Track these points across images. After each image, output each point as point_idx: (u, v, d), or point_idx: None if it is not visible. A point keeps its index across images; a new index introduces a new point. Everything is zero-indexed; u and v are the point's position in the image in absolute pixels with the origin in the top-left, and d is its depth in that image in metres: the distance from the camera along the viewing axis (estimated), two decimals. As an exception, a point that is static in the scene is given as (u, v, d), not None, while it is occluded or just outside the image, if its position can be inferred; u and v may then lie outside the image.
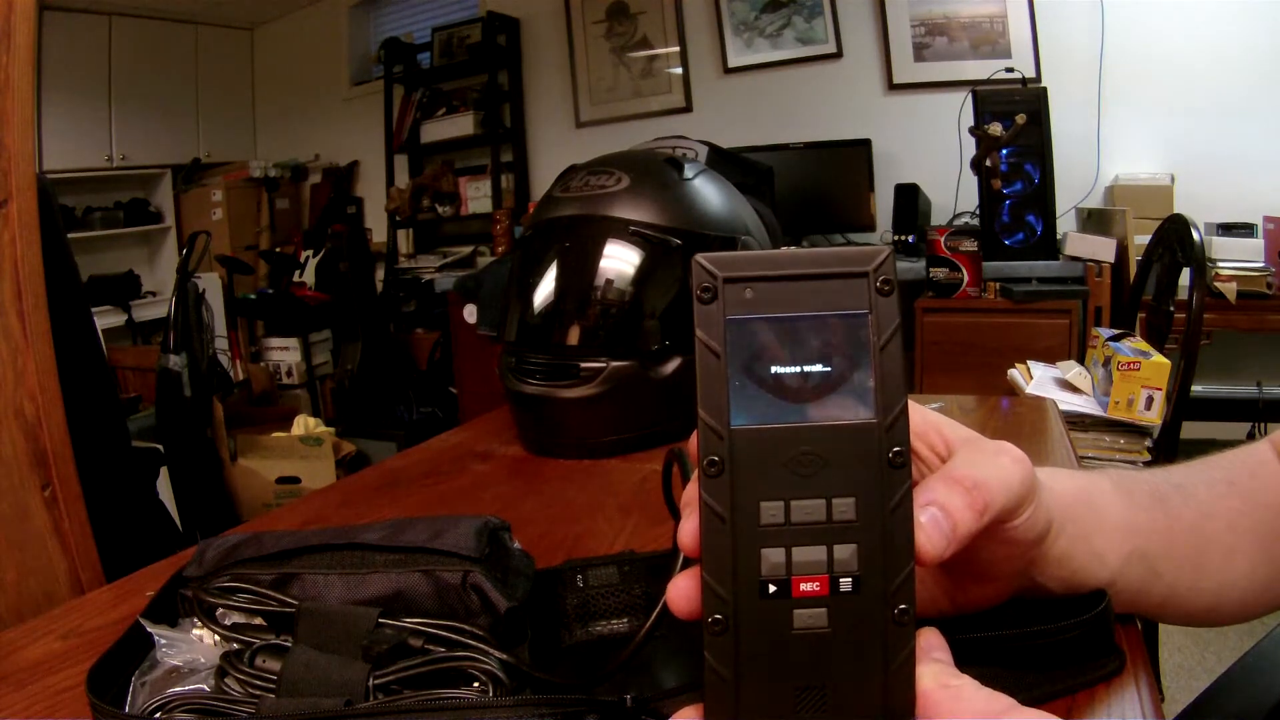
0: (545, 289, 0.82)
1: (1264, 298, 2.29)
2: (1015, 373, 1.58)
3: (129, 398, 2.64)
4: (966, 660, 0.28)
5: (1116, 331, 1.54)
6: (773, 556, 0.24)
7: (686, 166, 0.85)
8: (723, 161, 1.01)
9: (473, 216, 3.85)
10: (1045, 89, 2.51)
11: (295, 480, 2.39)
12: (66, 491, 0.76)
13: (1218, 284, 2.25)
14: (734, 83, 3.38)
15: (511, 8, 3.75)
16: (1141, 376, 1.34)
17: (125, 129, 3.92)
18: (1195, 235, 1.55)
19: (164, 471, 2.21)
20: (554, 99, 3.77)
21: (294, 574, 0.39)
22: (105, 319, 3.60)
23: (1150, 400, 1.34)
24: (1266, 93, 2.55)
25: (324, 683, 0.34)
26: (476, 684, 0.35)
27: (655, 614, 0.32)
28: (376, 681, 0.34)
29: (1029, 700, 0.26)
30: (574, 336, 0.80)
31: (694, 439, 0.27)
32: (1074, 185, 2.71)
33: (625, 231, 0.79)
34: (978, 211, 2.57)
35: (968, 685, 0.25)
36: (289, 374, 3.78)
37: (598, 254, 0.80)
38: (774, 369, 0.25)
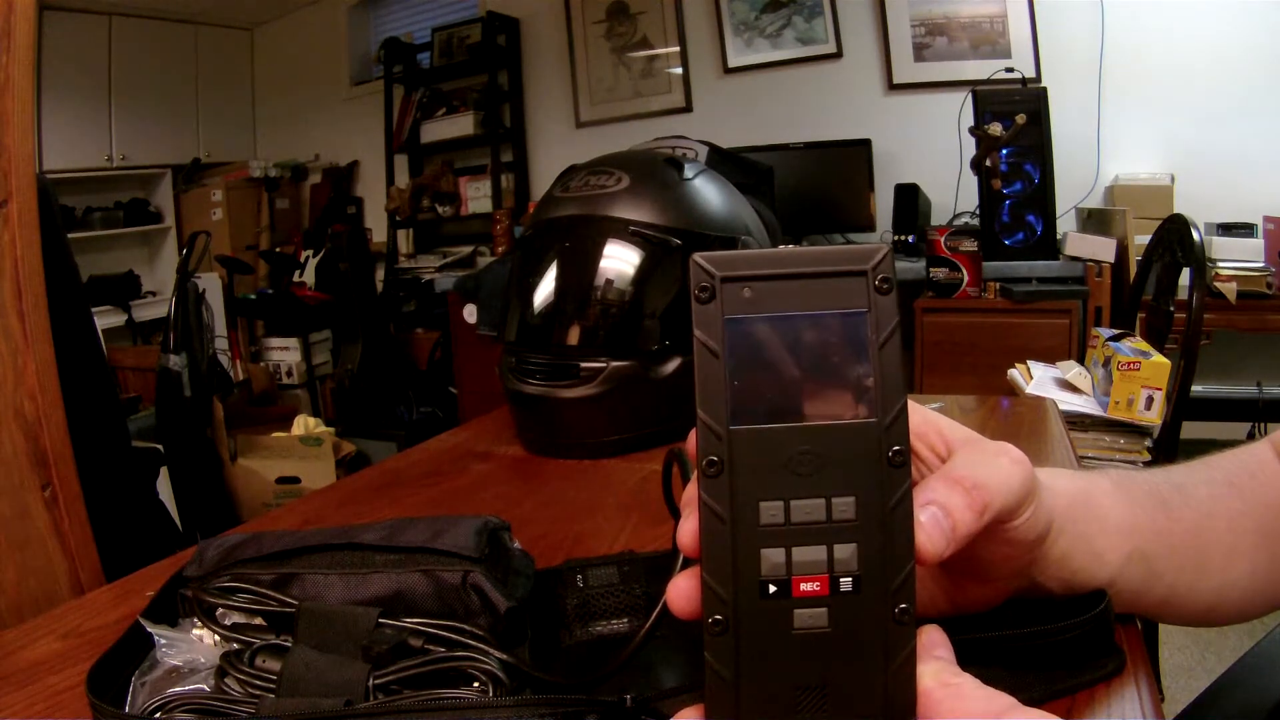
0: (545, 289, 0.82)
1: (1264, 298, 2.29)
2: (1015, 373, 1.58)
3: (129, 398, 2.64)
4: (966, 660, 0.28)
5: (1116, 331, 1.54)
6: (773, 556, 0.24)
7: (686, 166, 0.85)
8: (723, 161, 1.01)
9: (473, 216, 3.85)
10: (1045, 89, 2.51)
11: (295, 480, 2.39)
12: (66, 491, 0.76)
13: (1218, 284, 2.25)
14: (734, 83, 3.38)
15: (511, 8, 3.75)
16: (1141, 376, 1.34)
17: (125, 129, 3.92)
18: (1195, 235, 1.55)
19: (164, 471, 2.21)
20: (554, 99, 3.77)
21: (294, 574, 0.39)
22: (105, 319, 3.60)
23: (1150, 400, 1.34)
24: (1266, 93, 2.55)
25: (324, 683, 0.34)
26: (476, 684, 0.35)
27: (655, 614, 0.32)
28: (376, 681, 0.34)
29: (1029, 700, 0.26)
30: (574, 336, 0.80)
31: (692, 437, 0.27)
32: (1074, 185, 2.71)
33: (625, 231, 0.79)
34: (978, 211, 2.57)
35: (968, 683, 0.25)
36: (289, 374, 3.78)
37: (598, 254, 0.80)
38: (774, 368, 0.25)
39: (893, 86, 3.07)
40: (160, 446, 2.22)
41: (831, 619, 0.24)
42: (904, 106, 3.06)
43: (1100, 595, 0.36)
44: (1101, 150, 2.76)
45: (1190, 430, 1.52)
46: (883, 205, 2.94)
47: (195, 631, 0.38)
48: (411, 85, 3.98)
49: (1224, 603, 0.40)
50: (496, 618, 0.38)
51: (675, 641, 0.39)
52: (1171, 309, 1.65)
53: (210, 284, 3.47)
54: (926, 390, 2.37)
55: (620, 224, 0.80)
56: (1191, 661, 1.81)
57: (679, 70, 3.49)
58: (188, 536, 2.06)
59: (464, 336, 3.08)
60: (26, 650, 0.45)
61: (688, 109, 3.49)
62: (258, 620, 0.38)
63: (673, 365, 0.79)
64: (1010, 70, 2.78)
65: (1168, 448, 1.45)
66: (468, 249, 3.78)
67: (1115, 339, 1.46)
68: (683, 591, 0.26)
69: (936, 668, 0.26)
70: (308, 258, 3.84)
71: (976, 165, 2.43)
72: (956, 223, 2.73)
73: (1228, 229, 2.39)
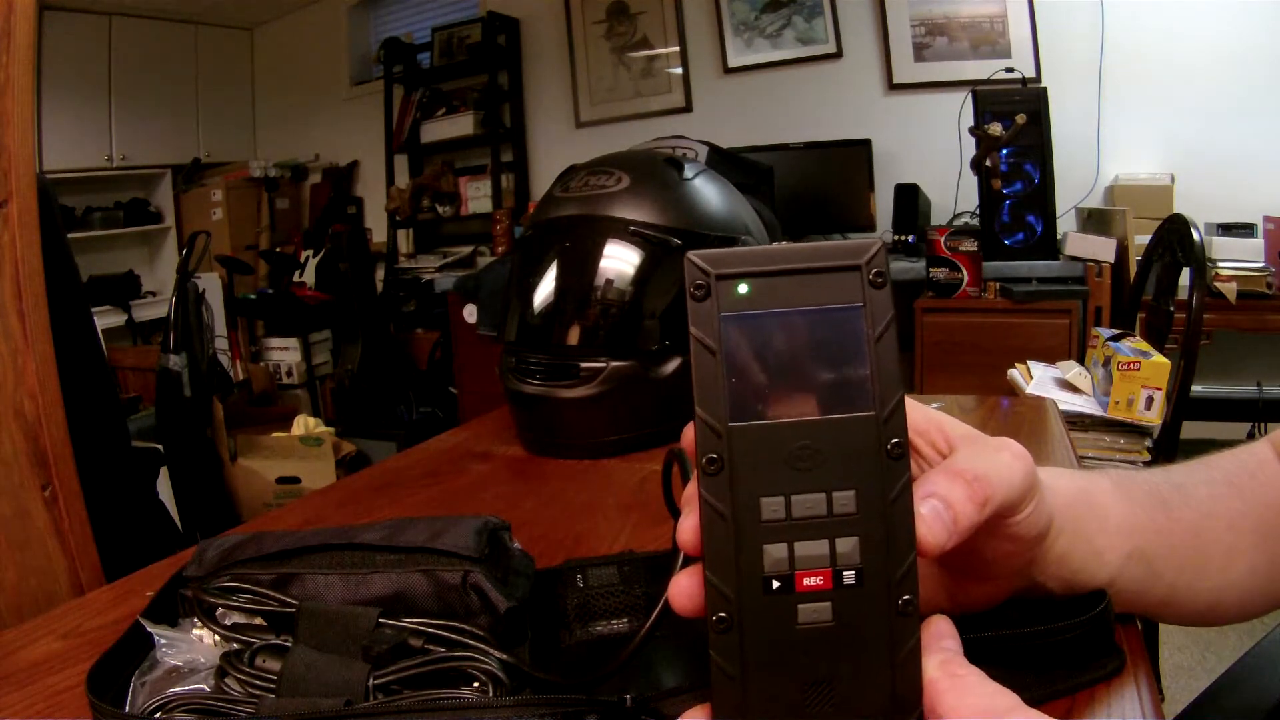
0: (545, 289, 0.82)
1: (1264, 298, 2.29)
2: (1015, 373, 1.58)
3: (129, 398, 2.64)
4: (967, 659, 0.28)
5: (1116, 331, 1.54)
6: (775, 552, 0.24)
7: (686, 166, 0.85)
8: (723, 161, 1.01)
9: (473, 216, 3.85)
10: (1045, 89, 2.51)
11: (295, 480, 2.39)
12: (66, 491, 0.76)
13: (1218, 284, 2.25)
14: (734, 83, 3.38)
15: (511, 8, 3.75)
16: (1141, 376, 1.34)
17: (125, 129, 3.92)
18: (1195, 235, 1.55)
19: (164, 471, 2.21)
20: (554, 99, 3.77)
21: (294, 574, 0.39)
22: (105, 319, 3.60)
23: (1150, 400, 1.34)
24: (1266, 93, 2.55)
25: (324, 683, 0.34)
26: (476, 684, 0.35)
27: (655, 614, 0.32)
28: (376, 681, 0.34)
29: (1029, 701, 0.26)
30: (574, 336, 0.80)
31: (688, 432, 0.27)
32: (1074, 185, 2.71)
33: (625, 231, 0.79)
34: (978, 211, 2.57)
35: (974, 677, 0.25)
36: (289, 374, 3.78)
37: (598, 254, 0.80)
38: (771, 365, 0.25)
39: (893, 86, 3.07)
40: (160, 446, 2.22)
41: (835, 613, 0.24)
42: (904, 106, 3.06)
43: (1100, 595, 0.36)
44: (1101, 150, 2.76)
45: (1190, 430, 1.52)
46: (883, 205, 2.94)
47: (195, 631, 0.38)
48: (411, 85, 3.98)
49: (1224, 602, 0.40)
50: (496, 618, 0.38)
51: (675, 641, 0.39)
52: (1171, 309, 1.65)
53: (210, 284, 3.47)
54: (927, 390, 2.37)
55: (620, 224, 0.80)
56: (1191, 661, 1.81)
57: (679, 70, 3.49)
58: (188, 536, 2.06)
59: (464, 336, 3.08)
60: (26, 650, 0.45)
61: (688, 109, 3.49)
62: (258, 620, 0.38)
63: (673, 365, 0.79)
64: (1010, 70, 2.78)
65: (1168, 448, 1.45)
66: (468, 249, 3.78)
67: (1115, 339, 1.46)
68: (685, 589, 0.26)
69: (943, 658, 0.26)
70: (308, 258, 3.84)
71: (976, 165, 2.43)
72: (956, 223, 2.73)
73: (1228, 229, 2.39)
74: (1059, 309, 2.22)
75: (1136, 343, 1.45)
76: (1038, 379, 1.52)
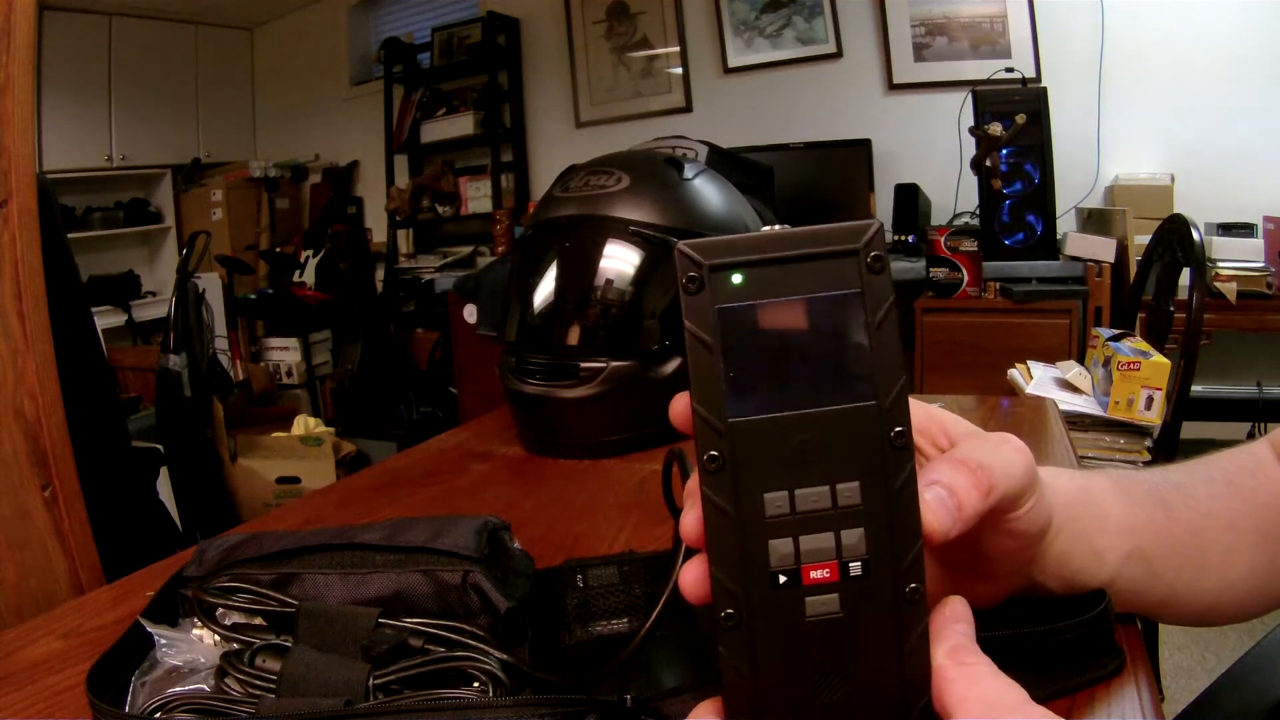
0: (545, 289, 0.82)
1: (1264, 298, 2.29)
2: (1015, 373, 1.58)
3: (129, 398, 2.64)
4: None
5: (1116, 331, 1.54)
6: (781, 547, 0.24)
7: (686, 166, 0.85)
8: (723, 161, 1.01)
9: (473, 216, 3.85)
10: (1045, 89, 2.51)
11: (295, 480, 2.39)
12: (66, 491, 0.76)
13: (1218, 284, 2.25)
14: (734, 83, 3.38)
15: (511, 8, 3.75)
16: (1141, 376, 1.34)
17: (125, 129, 3.92)
18: (1195, 235, 1.55)
19: (164, 471, 2.21)
20: (554, 99, 3.77)
21: (294, 574, 0.39)
22: (105, 319, 3.60)
23: (1150, 400, 1.34)
24: (1266, 93, 2.55)
25: (324, 683, 0.34)
26: (476, 684, 0.35)
27: (655, 614, 0.32)
28: (376, 681, 0.34)
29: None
30: (574, 336, 0.80)
31: (675, 401, 0.26)
32: (1074, 185, 2.71)
33: (625, 231, 0.79)
34: (978, 211, 2.57)
35: (984, 667, 0.25)
36: (289, 374, 3.78)
37: (598, 254, 0.80)
38: (769, 357, 0.24)
39: (893, 86, 3.07)
40: (160, 446, 2.22)
41: (843, 604, 0.24)
42: (904, 106, 3.06)
43: (1100, 595, 0.36)
44: (1101, 150, 2.76)
45: (1190, 430, 1.52)
46: (883, 205, 2.94)
47: (195, 631, 0.38)
48: (411, 85, 3.98)
49: (1223, 602, 0.40)
50: (496, 618, 0.38)
51: (675, 641, 0.39)
52: (1171, 309, 1.65)
53: (210, 284, 3.47)
54: (927, 390, 2.37)
55: (620, 224, 0.80)
56: (1191, 661, 1.81)
57: (679, 70, 3.49)
58: (188, 536, 2.06)
59: (464, 336, 3.08)
60: (26, 650, 0.45)
61: (688, 109, 3.49)
62: (258, 620, 0.38)
63: (673, 365, 0.79)
64: (1010, 70, 2.78)
65: (1168, 448, 1.45)
66: (468, 249, 3.78)
67: (1115, 339, 1.46)
68: (695, 577, 0.26)
69: (954, 644, 0.25)
70: (308, 258, 3.84)
71: (976, 165, 2.43)
72: (956, 223, 2.73)
73: (1228, 229, 2.39)
74: (1059, 309, 2.22)
75: (1136, 343, 1.45)
76: (1038, 379, 1.52)
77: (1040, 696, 0.34)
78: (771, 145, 2.97)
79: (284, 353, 3.80)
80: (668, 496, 0.39)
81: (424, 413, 3.48)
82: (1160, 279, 1.71)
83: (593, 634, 0.42)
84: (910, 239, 2.72)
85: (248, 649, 0.36)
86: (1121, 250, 2.27)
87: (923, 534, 0.25)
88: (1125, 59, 2.70)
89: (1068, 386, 1.47)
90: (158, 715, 0.35)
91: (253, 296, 3.82)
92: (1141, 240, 1.95)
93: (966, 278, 2.29)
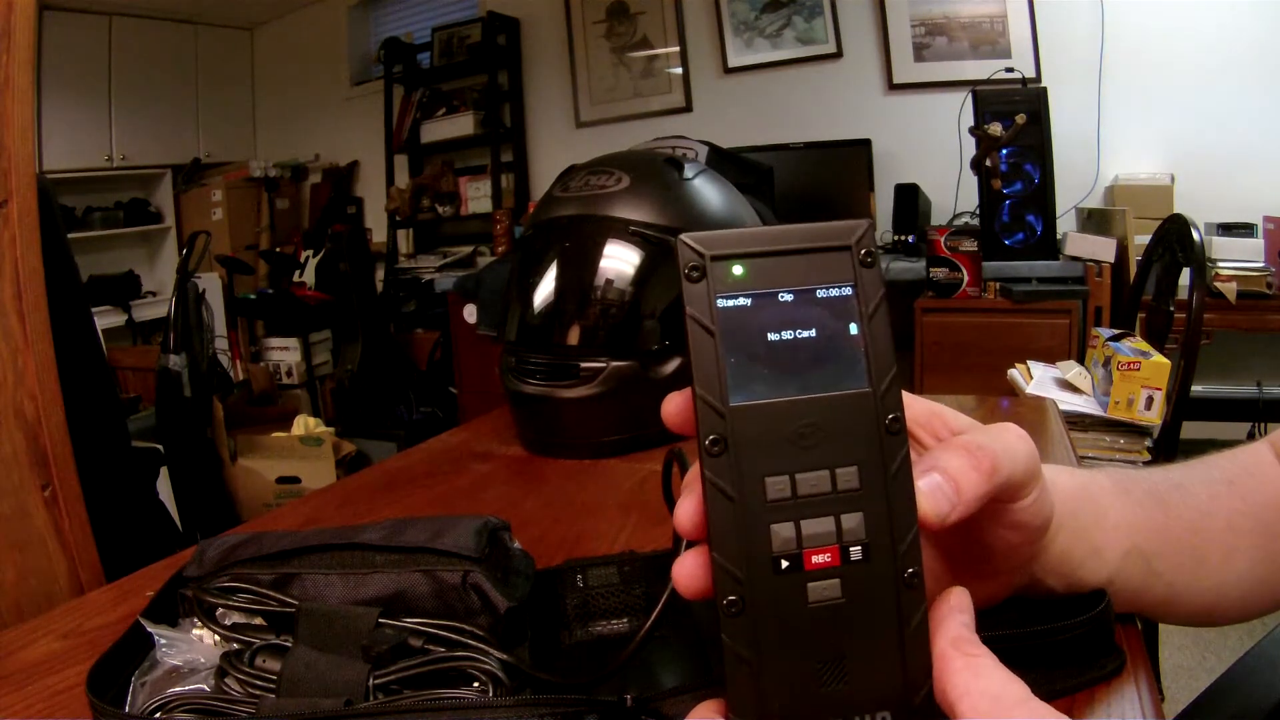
0: (545, 289, 0.82)
1: (1264, 298, 2.29)
2: (1015, 373, 1.58)
3: (129, 398, 2.65)
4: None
5: (1116, 331, 1.54)
6: (783, 531, 0.24)
7: (686, 166, 0.85)
8: (723, 161, 1.01)
9: (473, 216, 3.85)
10: (1045, 89, 2.51)
11: (295, 480, 2.39)
12: (66, 491, 0.76)
13: (1218, 284, 2.25)
14: (734, 83, 3.38)
15: (511, 8, 3.75)
16: (1141, 376, 1.34)
17: (125, 129, 3.92)
18: (1195, 235, 1.55)
19: (164, 471, 2.21)
20: (554, 99, 3.77)
21: (294, 574, 0.39)
22: (105, 319, 3.60)
23: (1150, 400, 1.34)
24: (1266, 92, 2.55)
25: (324, 683, 0.34)
26: (476, 684, 0.35)
27: (655, 614, 0.32)
28: (376, 681, 0.34)
29: None
30: (574, 336, 0.80)
31: (668, 401, 0.27)
32: (1074, 185, 2.71)
33: (625, 231, 0.79)
34: (978, 211, 2.57)
35: (987, 659, 0.25)
36: (289, 374, 3.78)
37: (598, 254, 0.80)
38: (768, 344, 0.25)
39: (893, 86, 3.07)
40: (160, 446, 2.22)
41: (845, 589, 0.24)
42: (904, 106, 3.06)
43: (1100, 595, 0.36)
44: (1101, 150, 2.76)
45: (1190, 430, 1.52)
46: (883, 205, 2.94)
47: (195, 631, 0.38)
48: (411, 85, 3.98)
49: (1223, 601, 0.40)
50: (496, 618, 0.38)
51: (675, 641, 0.39)
52: (1171, 309, 1.65)
53: (210, 284, 3.48)
54: (927, 390, 2.37)
55: (620, 224, 0.80)
56: (1191, 661, 1.81)
57: (679, 70, 3.49)
58: (188, 536, 2.06)
59: (464, 336, 3.08)
60: (26, 650, 0.45)
61: (688, 109, 3.49)
62: (258, 620, 0.38)
63: (673, 365, 0.79)
64: (1010, 70, 2.78)
65: (1168, 448, 1.45)
66: (468, 249, 3.78)
67: (1115, 339, 1.46)
68: (689, 569, 0.26)
69: (956, 634, 0.25)
70: (308, 258, 3.84)
71: (976, 165, 2.43)
72: (956, 223, 2.73)
73: (1228, 229, 2.39)
74: (1059, 309, 2.22)
75: (1136, 343, 1.45)
76: (1038, 379, 1.52)
77: (1041, 696, 0.34)
78: (771, 145, 2.98)
79: (284, 353, 3.80)
80: (668, 496, 0.39)
81: (424, 413, 3.48)
82: (1160, 279, 1.71)
83: (593, 634, 0.42)
84: (910, 239, 2.72)
85: (248, 649, 0.36)
86: (1121, 250, 2.28)
87: (918, 519, 0.25)
88: (1125, 59, 2.70)
89: (1068, 386, 1.47)
90: (158, 715, 0.35)
91: (253, 296, 3.82)
92: (1141, 240, 1.95)
93: (966, 278, 2.29)
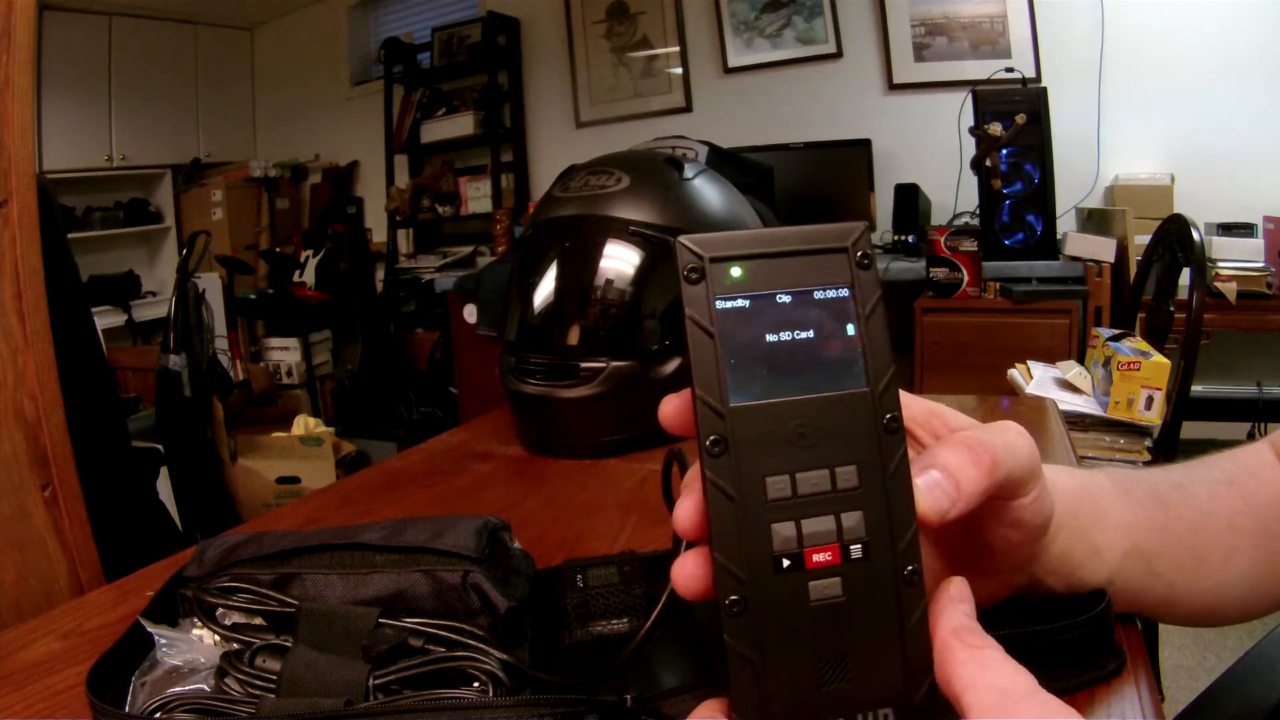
0: (545, 289, 0.82)
1: (1264, 298, 2.29)
2: (1015, 373, 1.58)
3: (129, 398, 2.65)
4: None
5: (1116, 331, 1.54)
6: (784, 531, 0.24)
7: (686, 166, 0.85)
8: (723, 161, 1.01)
9: (473, 216, 3.85)
10: (1045, 89, 2.51)
11: (295, 480, 2.39)
12: (66, 491, 0.76)
13: (1218, 284, 2.25)
14: (734, 83, 3.38)
15: (511, 8, 3.75)
16: (1141, 376, 1.34)
17: (125, 129, 3.92)
18: (1195, 235, 1.55)
19: (164, 471, 2.21)
20: (554, 99, 3.77)
21: (294, 574, 0.39)
22: (105, 319, 3.60)
23: (1150, 400, 1.34)
24: (1266, 92, 2.55)
25: (324, 683, 0.34)
26: (476, 684, 0.35)
27: (655, 614, 0.32)
28: (376, 681, 0.34)
29: None
30: (574, 336, 0.80)
31: (665, 404, 0.27)
32: (1074, 185, 2.71)
33: (625, 231, 0.79)
34: (978, 211, 2.57)
35: (992, 650, 0.24)
36: (289, 374, 3.78)
37: (598, 254, 0.80)
38: (766, 345, 0.25)
39: (893, 86, 3.07)
40: (160, 446, 2.22)
41: (845, 587, 0.24)
42: (904, 106, 3.06)
43: (1100, 595, 0.36)
44: (1101, 150, 2.76)
45: (1190, 430, 1.52)
46: (883, 205, 2.94)
47: (195, 631, 0.38)
48: (411, 85, 3.98)
49: (1224, 602, 0.40)
50: (496, 618, 0.38)
51: (675, 641, 0.39)
52: (1171, 309, 1.65)
53: (210, 284, 3.47)
54: (927, 390, 2.37)
55: (620, 224, 0.80)
56: (1191, 661, 1.81)
57: (679, 70, 3.49)
58: (188, 536, 2.06)
59: (464, 336, 3.08)
60: (26, 650, 0.45)
61: (688, 109, 3.49)
62: (258, 620, 0.38)
63: (673, 365, 0.79)
64: (1010, 70, 2.78)
65: (1168, 448, 1.45)
66: (468, 249, 3.78)
67: (1115, 339, 1.46)
68: (688, 570, 0.26)
69: (959, 624, 0.25)
70: (308, 258, 3.84)
71: (976, 165, 2.43)
72: (956, 223, 2.73)
73: (1228, 229, 2.39)
74: (1059, 309, 2.22)
75: (1136, 343, 1.45)
76: (1038, 379, 1.52)
77: (1044, 693, 0.34)
78: (771, 145, 2.97)
79: (284, 353, 3.80)
80: (667, 496, 0.39)
81: (424, 413, 3.48)
82: (1160, 279, 1.71)
83: (593, 634, 0.42)
84: (910, 239, 2.72)
85: (248, 649, 0.36)
86: (1121, 250, 2.28)
87: (916, 517, 0.25)
88: (1125, 59, 2.70)
89: (1068, 386, 1.47)
90: (158, 715, 0.35)
91: (253, 296, 3.82)
92: (1141, 240, 1.95)
93: (966, 278, 2.29)
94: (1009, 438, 0.30)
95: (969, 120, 2.47)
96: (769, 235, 0.26)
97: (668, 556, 0.27)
